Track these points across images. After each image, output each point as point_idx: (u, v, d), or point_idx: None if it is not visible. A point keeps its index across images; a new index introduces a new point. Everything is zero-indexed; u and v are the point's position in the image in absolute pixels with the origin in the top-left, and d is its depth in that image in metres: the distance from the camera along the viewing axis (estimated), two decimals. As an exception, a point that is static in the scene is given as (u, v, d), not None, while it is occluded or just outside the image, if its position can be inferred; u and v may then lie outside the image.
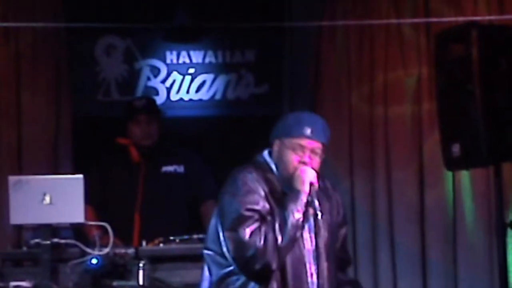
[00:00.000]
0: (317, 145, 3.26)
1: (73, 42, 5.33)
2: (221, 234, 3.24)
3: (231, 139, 5.42)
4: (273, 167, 3.29)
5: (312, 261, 3.25)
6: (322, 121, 3.34)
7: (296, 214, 3.18)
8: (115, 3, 5.26)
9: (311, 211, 3.25)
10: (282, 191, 3.25)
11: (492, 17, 4.90)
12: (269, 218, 3.17)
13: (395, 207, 5.23)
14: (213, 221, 3.31)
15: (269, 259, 3.14)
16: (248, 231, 3.13)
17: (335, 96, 5.29)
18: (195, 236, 4.23)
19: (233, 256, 3.18)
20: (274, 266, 3.16)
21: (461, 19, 4.84)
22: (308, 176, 3.22)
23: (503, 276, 4.55)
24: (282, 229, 3.15)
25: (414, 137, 5.25)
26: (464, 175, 5.12)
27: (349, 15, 5.23)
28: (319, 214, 3.26)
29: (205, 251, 3.33)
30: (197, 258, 3.95)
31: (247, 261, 3.15)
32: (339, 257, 3.39)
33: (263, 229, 3.14)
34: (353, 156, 5.28)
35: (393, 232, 5.22)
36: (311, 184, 3.22)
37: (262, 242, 3.12)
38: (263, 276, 3.18)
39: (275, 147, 3.29)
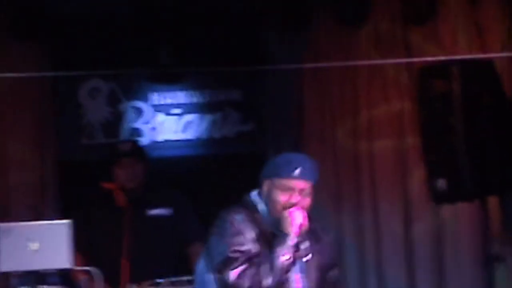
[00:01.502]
0: (306, 185, 3.29)
1: (57, 86, 5.34)
2: (206, 275, 3.24)
3: (218, 177, 5.42)
4: (260, 207, 3.30)
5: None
6: (311, 161, 3.38)
7: (283, 257, 3.19)
8: (98, 47, 5.27)
9: (300, 253, 3.26)
10: (271, 232, 3.26)
11: (472, 56, 4.96)
12: (256, 260, 3.18)
13: (382, 241, 5.24)
14: (200, 263, 3.32)
15: None
16: (234, 273, 3.15)
17: (319, 133, 5.32)
18: (184, 278, 4.21)
19: None
20: None
21: (442, 58, 4.89)
22: (297, 218, 3.23)
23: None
24: (269, 272, 3.16)
25: (399, 171, 5.28)
26: (451, 209, 5.14)
27: (330, 55, 5.27)
28: (309, 256, 3.27)
29: None
30: (186, 300, 3.94)
31: None
32: None
33: (249, 271, 3.15)
34: (339, 191, 5.30)
35: (381, 266, 5.23)
36: (300, 225, 3.23)
37: (248, 284, 3.13)
38: None
39: (265, 187, 3.31)
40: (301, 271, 3.29)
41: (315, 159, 5.21)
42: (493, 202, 4.87)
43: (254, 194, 3.35)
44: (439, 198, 4.71)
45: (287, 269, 3.20)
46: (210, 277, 3.24)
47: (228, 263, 3.17)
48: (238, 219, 3.23)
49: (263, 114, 5.46)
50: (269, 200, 3.28)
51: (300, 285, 3.28)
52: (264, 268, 3.16)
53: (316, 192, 5.18)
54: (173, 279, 4.23)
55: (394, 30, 5.25)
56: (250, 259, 3.18)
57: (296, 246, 3.23)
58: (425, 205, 5.06)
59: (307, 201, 3.29)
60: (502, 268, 4.88)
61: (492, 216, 4.82)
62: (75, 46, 5.28)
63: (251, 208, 3.29)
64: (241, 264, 3.16)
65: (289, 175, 3.26)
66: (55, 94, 5.32)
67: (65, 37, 5.25)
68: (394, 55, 5.22)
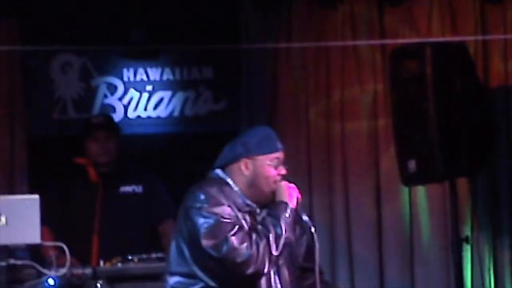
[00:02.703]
0: (283, 156, 3.35)
1: (28, 60, 5.28)
2: (186, 253, 3.21)
3: (189, 155, 5.41)
4: (230, 182, 3.31)
5: (273, 269, 3.26)
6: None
7: (287, 227, 3.21)
8: (70, 21, 5.22)
9: (298, 226, 3.29)
10: (247, 205, 3.27)
11: (446, 39, 4.99)
12: (260, 227, 3.19)
13: (353, 222, 5.27)
14: (173, 245, 3.29)
15: (261, 265, 3.16)
16: (235, 238, 3.13)
17: (292, 113, 5.32)
18: (153, 255, 4.21)
19: (220, 262, 3.14)
20: (265, 271, 3.18)
21: (416, 40, 4.91)
22: (294, 191, 3.28)
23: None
24: (277, 241, 3.18)
25: (370, 152, 5.30)
26: (421, 191, 5.18)
27: (305, 34, 5.27)
28: (313, 228, 3.30)
29: (170, 278, 3.29)
30: (156, 277, 3.94)
31: (237, 267, 3.14)
32: (306, 267, 3.42)
33: (253, 237, 3.15)
34: (311, 171, 5.32)
35: (351, 247, 5.25)
36: (297, 199, 3.27)
37: (254, 249, 3.14)
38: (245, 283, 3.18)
39: (244, 166, 3.29)
40: None
41: (288, 140, 5.27)
42: (463, 184, 4.92)
43: (219, 171, 3.35)
44: (409, 179, 4.74)
45: (291, 239, 3.23)
46: (187, 254, 3.21)
47: (223, 228, 3.14)
48: (213, 191, 3.23)
49: (236, 93, 5.44)
50: (258, 178, 3.27)
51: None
52: (272, 236, 3.17)
53: (287, 171, 5.23)
54: (143, 256, 4.22)
55: (369, 12, 5.26)
56: (242, 227, 3.19)
57: (295, 219, 3.26)
58: (396, 186, 5.10)
59: (285, 171, 3.34)
60: (470, 249, 4.94)
61: (462, 198, 4.87)
62: (46, 20, 5.22)
63: (221, 183, 3.28)
64: (239, 230, 3.15)
65: (276, 149, 3.32)
66: (26, 69, 5.26)
67: (37, 11, 5.19)
68: (368, 36, 5.23)
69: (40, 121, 5.36)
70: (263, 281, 3.23)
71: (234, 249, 3.12)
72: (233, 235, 3.14)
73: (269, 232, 3.18)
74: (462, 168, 4.55)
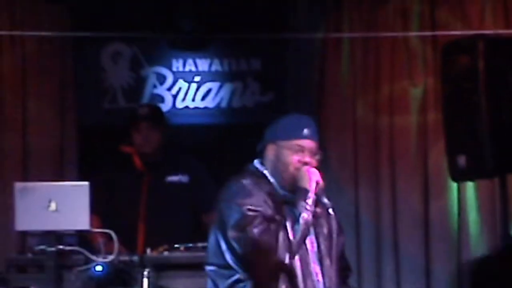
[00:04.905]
0: (314, 145, 3.32)
1: (79, 49, 5.35)
2: (222, 245, 3.23)
3: (236, 147, 5.42)
4: (267, 173, 3.30)
5: (316, 261, 3.27)
6: (313, 122, 3.39)
7: (306, 212, 3.20)
8: (121, 10, 5.27)
9: (319, 209, 3.27)
10: (282, 196, 3.26)
11: (498, 31, 4.91)
12: (277, 217, 3.18)
13: (399, 217, 5.23)
14: (212, 236, 3.31)
15: (282, 255, 3.15)
16: (256, 230, 3.14)
17: (340, 105, 5.29)
18: (199, 244, 4.23)
19: (243, 256, 3.17)
20: (286, 260, 3.17)
21: (468, 33, 4.84)
22: (313, 175, 3.25)
23: (508, 288, 4.55)
24: (294, 227, 3.17)
25: (419, 147, 5.25)
26: (469, 187, 5.12)
27: (355, 25, 5.24)
28: (331, 210, 3.28)
29: (208, 267, 3.32)
30: (201, 266, 3.94)
31: (258, 259, 3.15)
32: (340, 266, 3.40)
33: (272, 227, 3.15)
34: (357, 165, 5.28)
35: (398, 243, 5.21)
36: (317, 182, 3.25)
37: (273, 240, 3.13)
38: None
39: (270, 151, 3.31)
40: (313, 234, 3.30)
41: (335, 133, 5.23)
42: (513, 180, 4.85)
43: (256, 163, 3.35)
44: (458, 174, 4.68)
45: (310, 224, 3.22)
46: (224, 247, 3.23)
47: (247, 221, 3.15)
48: (246, 183, 3.23)
49: (283, 84, 5.44)
50: (278, 163, 3.27)
51: (313, 246, 3.29)
52: (288, 224, 3.16)
53: (334, 165, 5.21)
54: (189, 244, 4.25)
55: (421, 4, 5.21)
56: (267, 219, 3.19)
57: (317, 202, 3.25)
58: (444, 181, 5.04)
59: (316, 161, 3.31)
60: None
61: (511, 194, 4.80)
62: (96, 8, 5.27)
63: (257, 175, 3.29)
64: (261, 223, 3.15)
65: (298, 136, 3.28)
66: (77, 58, 5.33)
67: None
68: (420, 30, 5.17)
69: (90, 110, 5.43)
70: (299, 268, 3.22)
71: (254, 241, 3.13)
72: (255, 227, 3.14)
73: (286, 220, 3.18)
74: (512, 164, 4.47)
